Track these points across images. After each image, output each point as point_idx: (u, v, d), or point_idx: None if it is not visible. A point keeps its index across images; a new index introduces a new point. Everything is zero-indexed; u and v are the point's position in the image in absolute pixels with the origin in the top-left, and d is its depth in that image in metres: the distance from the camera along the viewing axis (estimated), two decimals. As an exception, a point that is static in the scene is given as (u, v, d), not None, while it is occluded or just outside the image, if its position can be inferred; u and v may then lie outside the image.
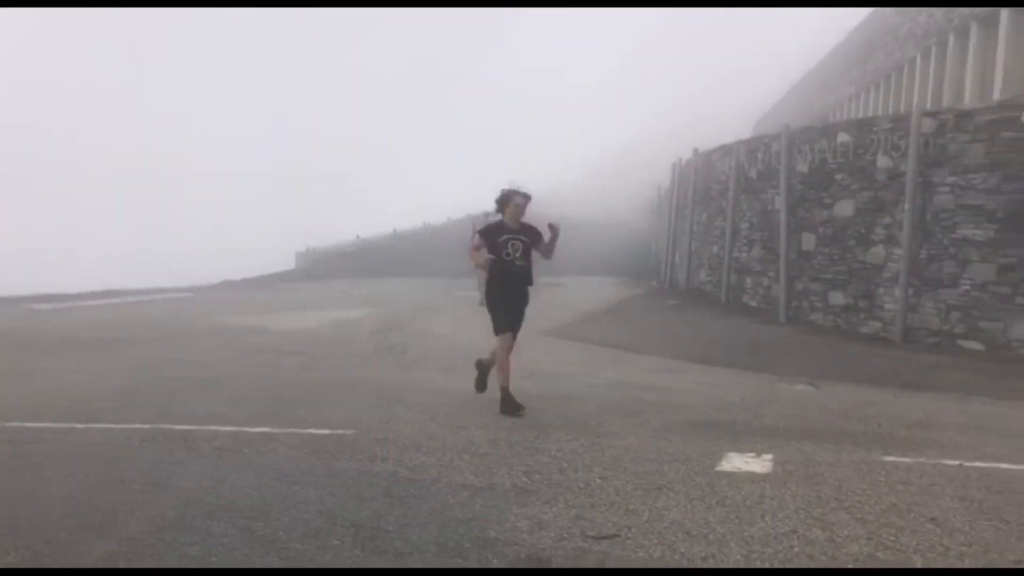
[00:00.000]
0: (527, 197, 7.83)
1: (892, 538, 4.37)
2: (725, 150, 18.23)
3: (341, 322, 16.10)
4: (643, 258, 32.28)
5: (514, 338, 7.80)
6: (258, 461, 5.95)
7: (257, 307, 19.49)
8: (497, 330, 7.78)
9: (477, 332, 14.35)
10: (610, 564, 4.12)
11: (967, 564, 4.03)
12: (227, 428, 6.97)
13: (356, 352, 12.08)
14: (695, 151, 20.59)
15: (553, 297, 20.41)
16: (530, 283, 7.88)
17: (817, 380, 10.07)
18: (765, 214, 15.98)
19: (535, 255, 8.08)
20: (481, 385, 8.21)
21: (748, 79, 51.30)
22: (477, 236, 8.01)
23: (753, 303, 16.37)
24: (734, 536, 4.45)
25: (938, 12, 22.88)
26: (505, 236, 7.74)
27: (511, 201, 7.80)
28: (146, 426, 7.04)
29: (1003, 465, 5.80)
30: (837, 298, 13.87)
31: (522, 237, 7.80)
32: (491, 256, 7.72)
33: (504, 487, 5.37)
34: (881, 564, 4.04)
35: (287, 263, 36.50)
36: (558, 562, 4.15)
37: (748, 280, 16.68)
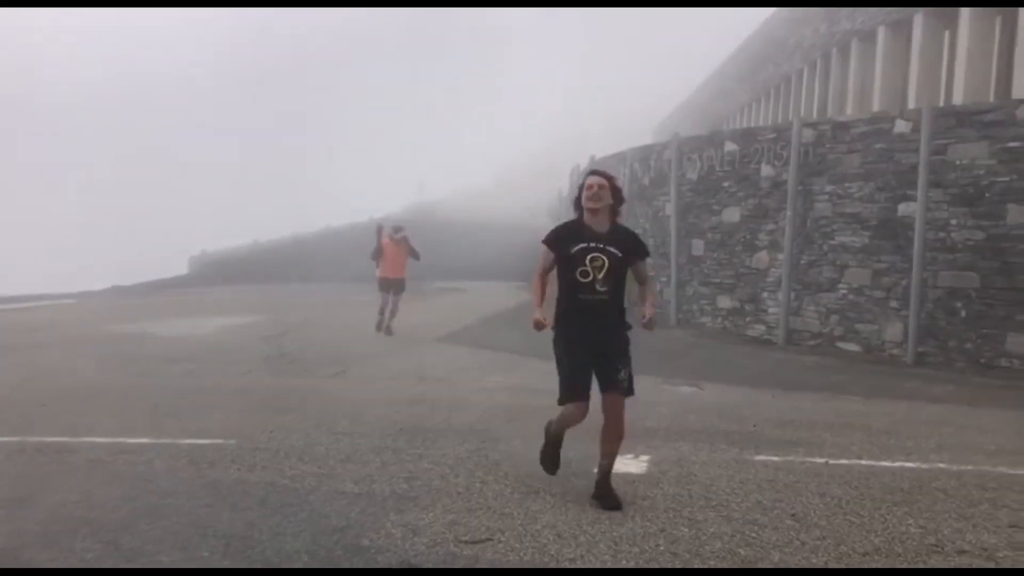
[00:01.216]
0: (607, 177, 5.18)
1: (754, 535, 4.54)
2: (620, 157, 18.59)
3: (231, 328, 15.75)
4: (544, 263, 32.60)
5: (584, 411, 5.08)
6: (131, 473, 5.79)
7: (144, 313, 18.89)
8: (560, 396, 5.14)
9: (371, 338, 14.29)
10: (481, 568, 4.16)
11: (820, 557, 4.22)
12: (102, 439, 6.76)
13: (244, 359, 11.84)
14: (592, 158, 20.92)
15: (452, 302, 20.44)
16: (621, 325, 5.08)
17: (702, 382, 10.35)
18: (657, 220, 16.36)
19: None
20: (549, 464, 5.51)
21: (655, 83, 52.37)
22: (544, 249, 5.19)
23: (646, 307, 16.71)
24: (604, 537, 4.55)
25: (822, 27, 23.85)
26: (581, 246, 4.96)
27: (584, 185, 5.10)
28: (14, 439, 6.77)
29: (864, 462, 6.09)
30: (725, 302, 14.30)
31: (611, 249, 4.99)
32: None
33: (383, 494, 5.36)
34: (741, 560, 4.20)
35: (180, 268, 35.50)
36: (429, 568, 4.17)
37: (642, 284, 17.02)
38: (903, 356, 11.52)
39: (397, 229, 14.82)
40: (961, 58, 17.43)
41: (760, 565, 4.13)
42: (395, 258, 14.59)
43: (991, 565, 4.08)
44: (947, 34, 18.79)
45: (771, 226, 13.47)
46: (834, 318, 12.49)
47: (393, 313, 14.46)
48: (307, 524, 4.78)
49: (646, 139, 35.65)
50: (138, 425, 7.34)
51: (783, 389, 9.99)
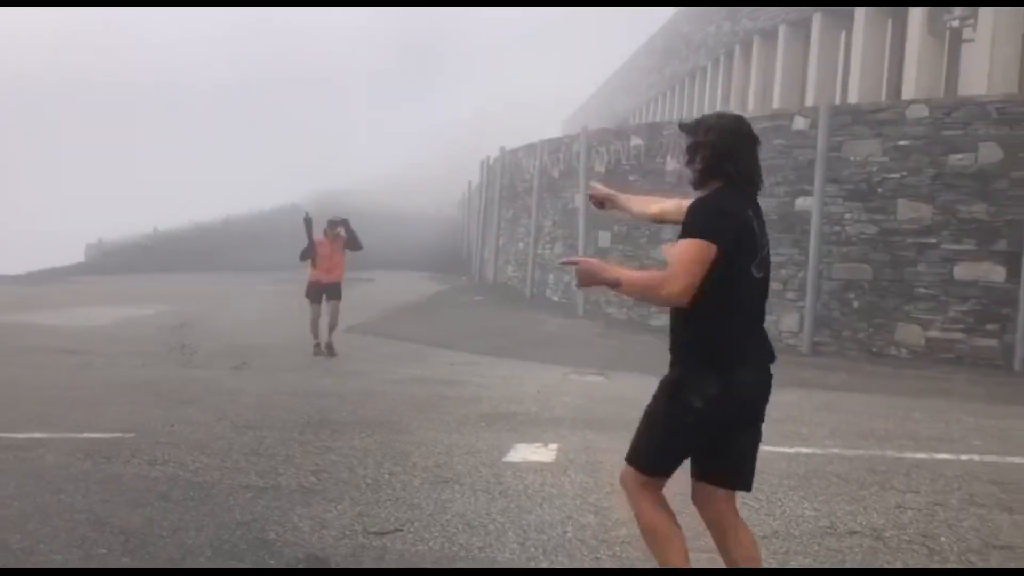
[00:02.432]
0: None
1: (657, 519, 4.65)
2: (530, 149, 18.70)
3: (130, 319, 15.25)
4: (456, 253, 32.60)
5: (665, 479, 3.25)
6: (20, 469, 5.55)
7: (36, 303, 18.12)
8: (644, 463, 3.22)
9: (275, 329, 14.04)
10: (389, 559, 4.15)
11: (720, 540, 4.34)
12: (-11, 435, 6.46)
13: (144, 351, 11.49)
14: (502, 149, 20.98)
15: (362, 293, 20.25)
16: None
17: (608, 371, 10.53)
18: (566, 212, 16.53)
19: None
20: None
21: (565, 76, 52.81)
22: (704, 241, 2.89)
23: (555, 298, 16.90)
24: (512, 525, 4.59)
25: (725, 24, 24.46)
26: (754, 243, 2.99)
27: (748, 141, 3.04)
28: None
29: (763, 447, 6.27)
30: (631, 293, 14.55)
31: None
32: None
33: (290, 487, 5.28)
34: (645, 546, 4.29)
35: (76, 256, 34.14)
36: (336, 561, 4.14)
37: (551, 276, 17.20)
38: (799, 346, 11.94)
39: (334, 224, 11.61)
40: (856, 58, 18.14)
41: (664, 549, 4.23)
42: (331, 258, 11.57)
43: (879, 544, 4.27)
44: (843, 34, 19.51)
45: (676, 219, 13.76)
46: (735, 309, 12.85)
47: (332, 326, 11.53)
48: (210, 518, 4.67)
49: (556, 131, 35.93)
50: (29, 419, 7.04)
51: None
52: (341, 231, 11.55)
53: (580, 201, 15.56)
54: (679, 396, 3.02)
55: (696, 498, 3.32)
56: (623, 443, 6.33)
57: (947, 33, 16.94)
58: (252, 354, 11.35)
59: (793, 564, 4.04)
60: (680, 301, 2.91)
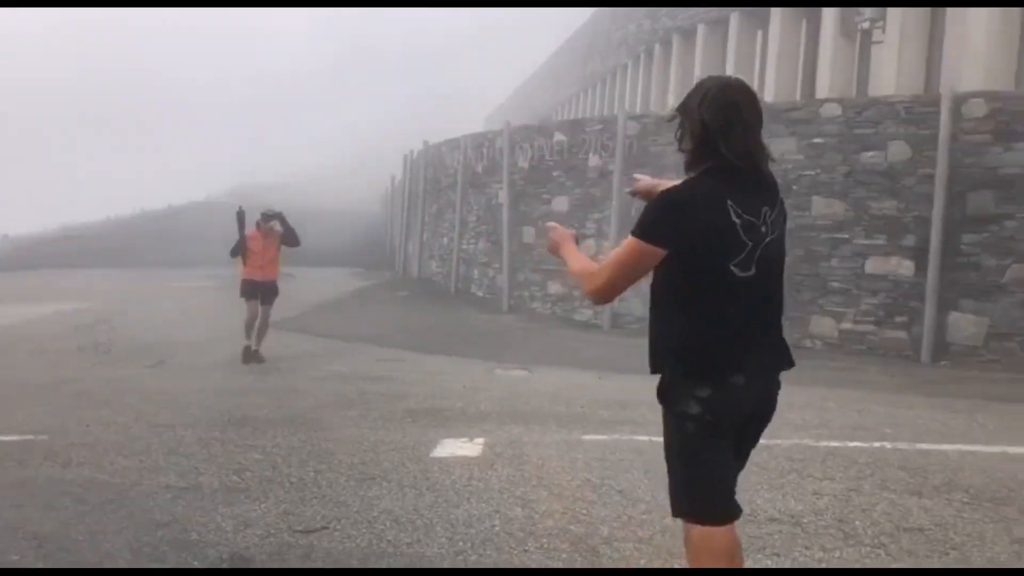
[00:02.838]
0: None
1: (584, 511, 4.71)
2: (453, 144, 18.66)
3: (41, 318, 14.71)
4: (380, 249, 32.33)
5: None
6: (-76, 475, 5.32)
7: (-61, 301, 17.34)
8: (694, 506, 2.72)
9: (192, 326, 13.72)
10: (316, 557, 4.11)
11: (646, 530, 4.43)
12: None
13: (57, 349, 11.11)
14: (425, 144, 20.89)
15: (283, 289, 19.90)
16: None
17: (532, 366, 10.58)
18: (490, 208, 16.56)
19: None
20: None
21: (488, 71, 52.80)
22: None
23: (480, 293, 16.91)
24: (440, 520, 4.59)
25: (646, 22, 24.79)
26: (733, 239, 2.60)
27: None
28: None
29: (685, 438, 6.42)
30: (555, 288, 14.67)
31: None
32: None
33: (212, 487, 5.19)
34: (572, 536, 4.34)
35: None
36: (262, 560, 4.08)
37: (475, 271, 17.20)
38: (719, 338, 12.20)
39: (268, 217, 10.63)
40: (772, 57, 18.59)
41: (589, 540, 4.29)
42: (265, 255, 10.62)
43: (797, 530, 4.41)
44: (760, 34, 19.97)
45: (598, 215, 13.93)
46: (657, 303, 13.06)
47: (263, 331, 10.59)
48: (129, 520, 4.56)
49: (479, 127, 35.94)
50: (-68, 423, 6.75)
51: (609, 371, 10.36)
52: (276, 225, 10.59)
53: (504, 196, 15.60)
54: (670, 405, 2.70)
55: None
56: (549, 436, 6.43)
57: (858, 34, 17.47)
58: (169, 352, 11.08)
59: (716, 551, 4.14)
60: (599, 300, 2.74)
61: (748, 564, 3.99)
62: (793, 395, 8.57)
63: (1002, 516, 4.59)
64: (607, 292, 2.70)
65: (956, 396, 8.59)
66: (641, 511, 4.71)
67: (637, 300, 13.21)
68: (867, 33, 17.26)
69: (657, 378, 2.80)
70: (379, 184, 36.90)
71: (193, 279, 22.90)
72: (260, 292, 10.65)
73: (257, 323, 10.59)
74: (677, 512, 2.75)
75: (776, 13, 18.46)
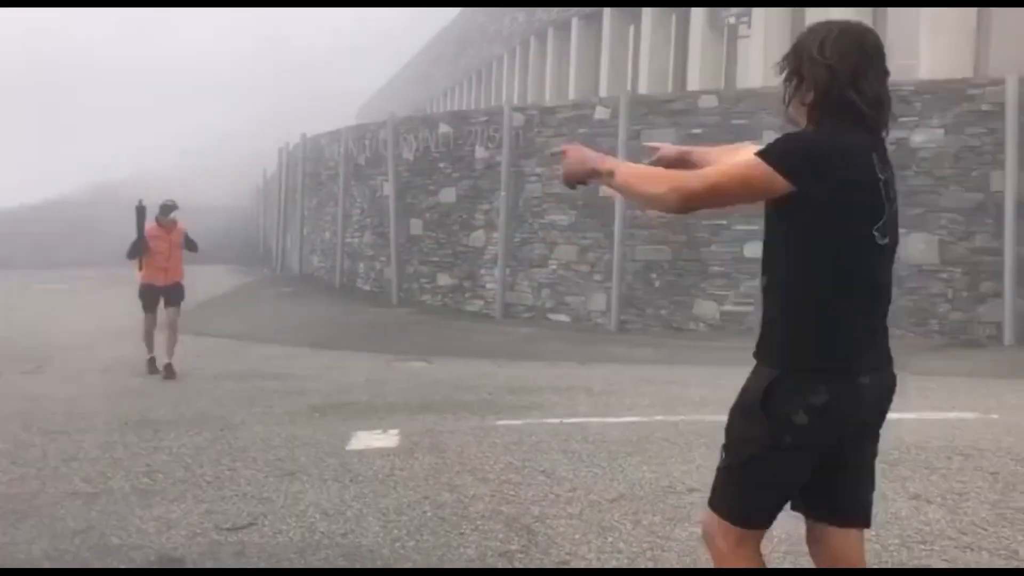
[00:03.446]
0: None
1: (512, 493, 4.80)
2: (334, 136, 18.40)
3: None
4: (254, 245, 31.47)
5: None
6: None
7: None
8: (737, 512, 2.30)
9: (69, 329, 13.04)
10: (249, 553, 4.04)
11: (574, 506, 4.55)
12: None
13: (-83, 359, 10.36)
14: (303, 136, 20.50)
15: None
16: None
17: (430, 356, 10.62)
18: (375, 200, 16.42)
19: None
20: None
21: (357, 65, 52.09)
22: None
23: (367, 287, 16.77)
24: (370, 510, 4.59)
25: (520, 15, 25.07)
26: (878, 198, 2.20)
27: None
28: None
29: (593, 419, 6.61)
30: (445, 279, 14.71)
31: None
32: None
33: (123, 491, 5.01)
34: (505, 517, 4.43)
35: None
36: (193, 560, 3.98)
37: (361, 265, 17.04)
38: (607, 324, 12.54)
39: (167, 208, 9.41)
40: (645, 51, 19.16)
41: (522, 520, 4.38)
42: (169, 254, 9.38)
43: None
44: (632, 28, 20.54)
45: (486, 206, 14.04)
46: (546, 292, 13.31)
47: (172, 342, 9.31)
48: (41, 530, 4.35)
49: (350, 121, 35.38)
50: None
51: (506, 359, 10.51)
52: (178, 220, 9.45)
53: (390, 188, 15.51)
54: (773, 410, 2.18)
55: (807, 537, 2.41)
56: (463, 423, 6.49)
57: (725, 29, 18.25)
58: (48, 356, 10.53)
59: (645, 522, 4.30)
60: (683, 204, 2.19)
61: (678, 532, 4.19)
62: (685, 375, 8.96)
63: (898, 475, 4.95)
64: (698, 197, 2.19)
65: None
66: (567, 489, 4.84)
67: (529, 291, 13.42)
68: (733, 28, 18.06)
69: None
70: (249, 178, 35.87)
71: (58, 280, 21.72)
72: (164, 296, 9.42)
73: (167, 334, 9.28)
74: (717, 508, 2.33)
75: (647, 9, 19.04)
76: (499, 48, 27.15)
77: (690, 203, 2.21)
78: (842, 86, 2.16)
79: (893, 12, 16.04)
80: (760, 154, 2.16)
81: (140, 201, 9.23)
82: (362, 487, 4.98)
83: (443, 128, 14.76)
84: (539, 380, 8.73)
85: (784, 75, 2.28)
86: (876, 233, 2.17)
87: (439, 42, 35.81)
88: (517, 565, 3.88)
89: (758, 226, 10.17)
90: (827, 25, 2.26)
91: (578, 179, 2.46)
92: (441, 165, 14.75)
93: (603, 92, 19.65)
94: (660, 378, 8.67)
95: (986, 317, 10.53)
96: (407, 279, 15.42)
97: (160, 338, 9.39)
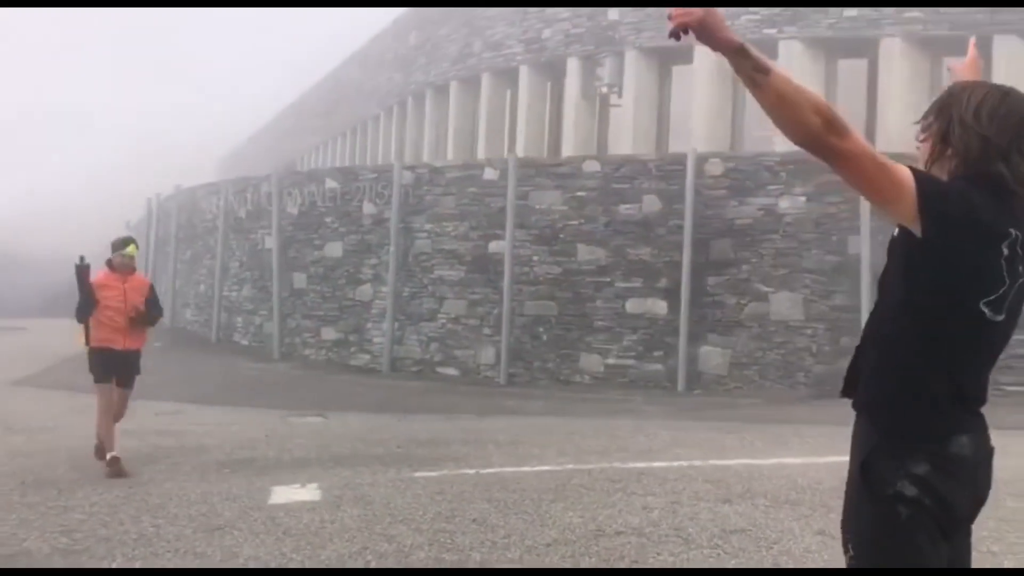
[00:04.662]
0: None
1: (449, 541, 4.95)
2: (212, 188, 18.12)
3: None
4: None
5: None
6: None
7: None
8: None
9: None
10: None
11: (513, 552, 4.75)
12: None
13: None
14: (177, 187, 20.04)
15: (16, 342, 18.18)
16: None
17: (324, 411, 10.56)
18: (256, 253, 16.22)
19: None
20: None
21: (216, 117, 51.05)
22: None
23: (245, 341, 16.45)
24: (311, 561, 4.64)
25: (397, 76, 25.45)
26: (996, 272, 2.02)
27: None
28: None
29: (508, 469, 6.83)
30: (329, 333, 14.64)
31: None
32: None
33: (43, 552, 4.86)
34: (449, 564, 4.58)
35: None
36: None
37: (239, 319, 16.71)
38: (496, 377, 12.82)
39: (123, 243, 7.22)
40: (522, 114, 19.85)
41: (467, 566, 4.54)
42: (126, 303, 7.00)
43: (644, 539, 4.93)
44: (509, 92, 21.22)
45: (374, 260, 14.15)
46: (434, 345, 13.48)
47: (118, 418, 7.18)
48: (-33, 593, 4.19)
49: (208, 174, 34.63)
50: None
51: (402, 412, 10.59)
52: (132, 262, 7.20)
53: (273, 242, 15.38)
54: (877, 481, 2.01)
55: None
56: (380, 476, 6.57)
57: (597, 98, 19.16)
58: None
59: (584, 565, 4.55)
60: (815, 144, 1.91)
61: (603, 567, 4.46)
62: (581, 426, 9.31)
63: (800, 514, 5.40)
64: (844, 155, 1.92)
65: (718, 419, 9.71)
66: (501, 536, 5.03)
67: (417, 345, 13.56)
68: (605, 97, 18.98)
69: None
70: (107, 231, 34.42)
71: None
72: (121, 367, 7.12)
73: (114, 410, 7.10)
74: None
75: (524, 73, 19.76)
76: (375, 107, 27.38)
77: (833, 145, 1.91)
78: (993, 159, 2.00)
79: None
80: (913, 170, 1.97)
81: (81, 258, 7.06)
82: (297, 540, 5.01)
83: (330, 183, 14.84)
84: (443, 433, 8.87)
85: (925, 133, 2.12)
86: (986, 308, 2.00)
87: (311, 97, 35.72)
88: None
89: (639, 283, 10.83)
90: (984, 87, 2.09)
91: (707, 37, 1.92)
92: (328, 220, 14.78)
93: (481, 154, 20.16)
94: (559, 429, 8.98)
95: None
96: (289, 333, 15.25)
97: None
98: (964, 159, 2.02)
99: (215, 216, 17.46)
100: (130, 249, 7.15)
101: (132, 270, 7.21)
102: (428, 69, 23.34)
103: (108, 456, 6.86)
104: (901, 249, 2.04)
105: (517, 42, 19.58)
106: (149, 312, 7.17)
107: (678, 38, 1.96)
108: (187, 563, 4.61)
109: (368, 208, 14.25)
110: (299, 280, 15.09)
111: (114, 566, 4.58)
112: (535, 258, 12.77)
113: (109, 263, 7.18)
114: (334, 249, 14.64)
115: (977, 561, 4.38)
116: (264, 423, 9.69)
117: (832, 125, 1.89)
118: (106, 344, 7.02)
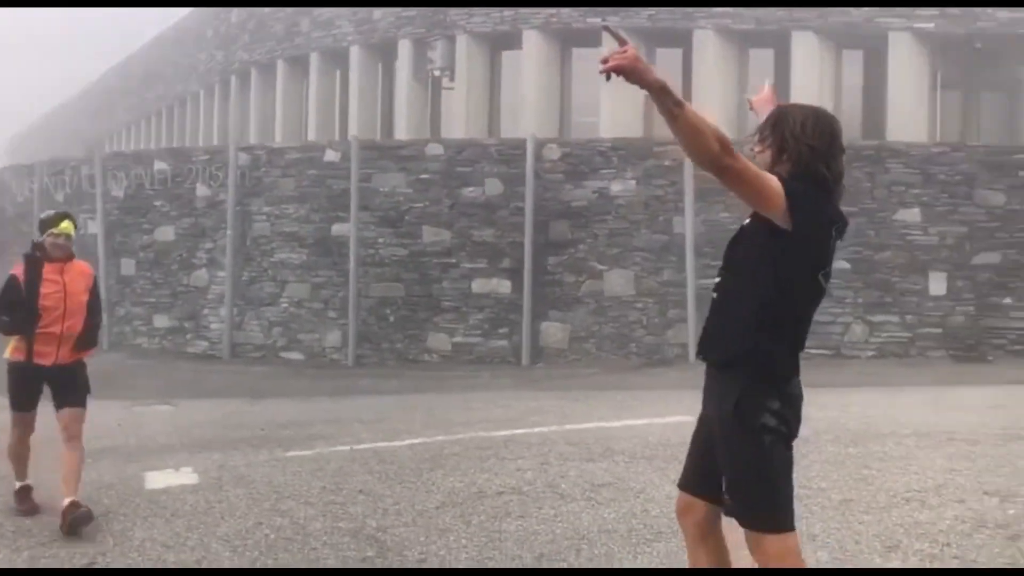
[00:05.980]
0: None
1: (341, 511, 5.17)
2: (21, 170, 17.01)
3: None
4: None
5: None
6: None
7: None
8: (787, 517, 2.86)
9: None
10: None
11: (402, 516, 5.04)
12: None
13: None
14: (-21, 170, 18.62)
15: None
16: None
17: (170, 399, 10.36)
18: (78, 239, 15.38)
19: None
20: None
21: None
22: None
23: (67, 332, 15.63)
24: (211, 539, 4.75)
25: (218, 54, 24.63)
26: (828, 251, 2.89)
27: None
28: None
29: (380, 444, 7.06)
30: (163, 321, 14.20)
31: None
32: None
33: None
34: (347, 531, 4.81)
35: None
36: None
37: (59, 308, 15.84)
38: (344, 360, 12.93)
39: (60, 217, 5.50)
40: (353, 96, 19.78)
41: (365, 531, 4.80)
42: (64, 308, 5.32)
43: (524, 497, 5.34)
44: (339, 73, 21.07)
45: (210, 244, 13.85)
46: (277, 330, 13.40)
47: (79, 466, 5.35)
48: None
49: None
50: None
51: (252, 398, 10.55)
52: (70, 243, 5.45)
53: (98, 227, 14.69)
54: (749, 418, 2.71)
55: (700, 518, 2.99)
56: (254, 458, 6.66)
57: (430, 81, 19.41)
58: None
59: (474, 522, 4.90)
60: (724, 170, 2.52)
61: (506, 526, 4.85)
62: (441, 401, 9.66)
63: (657, 467, 5.97)
64: (734, 172, 2.54)
65: (563, 389, 10.33)
66: (391, 504, 5.30)
67: (259, 330, 13.42)
68: (437, 80, 19.26)
69: None
70: None
71: None
72: (52, 383, 5.47)
73: (67, 456, 5.33)
74: (769, 526, 2.73)
75: (355, 55, 19.69)
76: (195, 85, 26.36)
77: (728, 173, 2.54)
78: (817, 163, 2.73)
79: (576, 75, 18.13)
80: (783, 184, 2.65)
81: (33, 245, 5.53)
82: (188, 520, 5.09)
83: (159, 165, 14.33)
84: (302, 415, 8.97)
85: (761, 145, 2.81)
86: (821, 278, 2.76)
87: (119, 74, 33.82)
88: (380, 567, 4.32)
89: (484, 264, 11.37)
90: (803, 109, 2.82)
91: (636, 78, 2.44)
92: (157, 203, 14.29)
93: (312, 136, 19.94)
94: (419, 405, 9.28)
95: (674, 339, 12.33)
96: (118, 322, 14.65)
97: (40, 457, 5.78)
98: (796, 163, 2.73)
99: (29, 200, 16.42)
100: (65, 226, 5.38)
101: (71, 255, 5.47)
102: (252, 47, 22.75)
103: (19, 486, 5.54)
104: (764, 237, 2.72)
105: (347, 22, 19.48)
106: (90, 318, 5.49)
107: (608, 78, 2.48)
108: (81, 549, 4.62)
109: (202, 191, 13.90)
110: (127, 266, 14.51)
111: (1, 558, 4.52)
112: (380, 240, 12.94)
113: (37, 249, 5.41)
114: (165, 233, 14.18)
115: (810, 495, 5.09)
116: (110, 413, 9.38)
117: (726, 148, 2.49)
118: (38, 359, 5.34)
